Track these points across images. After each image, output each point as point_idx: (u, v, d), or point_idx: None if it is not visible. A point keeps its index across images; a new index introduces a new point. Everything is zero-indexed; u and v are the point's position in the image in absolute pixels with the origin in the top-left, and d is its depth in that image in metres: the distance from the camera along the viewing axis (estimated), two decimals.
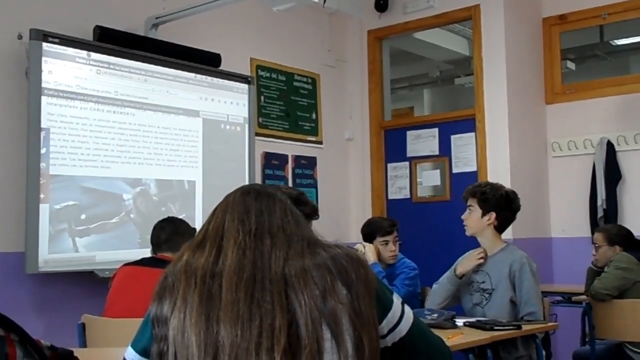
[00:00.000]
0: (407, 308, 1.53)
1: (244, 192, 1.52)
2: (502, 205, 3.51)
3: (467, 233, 3.59)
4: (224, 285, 1.36)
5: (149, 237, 3.37)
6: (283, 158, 5.84)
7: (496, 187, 3.58)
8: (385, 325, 1.47)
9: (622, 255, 4.06)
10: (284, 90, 5.91)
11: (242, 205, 1.48)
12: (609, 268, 4.06)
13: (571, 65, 7.09)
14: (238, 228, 1.43)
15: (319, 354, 1.30)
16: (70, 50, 4.20)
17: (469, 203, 3.57)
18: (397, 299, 1.52)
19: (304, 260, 1.39)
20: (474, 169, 5.88)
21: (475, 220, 3.54)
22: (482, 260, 3.49)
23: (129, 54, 4.48)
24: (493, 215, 3.50)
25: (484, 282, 3.50)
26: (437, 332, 2.68)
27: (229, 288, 1.35)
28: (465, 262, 3.54)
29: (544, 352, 3.38)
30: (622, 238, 4.24)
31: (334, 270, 1.38)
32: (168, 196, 4.71)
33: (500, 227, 3.55)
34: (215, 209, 1.52)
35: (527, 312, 3.35)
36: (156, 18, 4.73)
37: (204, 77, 4.97)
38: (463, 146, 6.02)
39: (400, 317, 1.49)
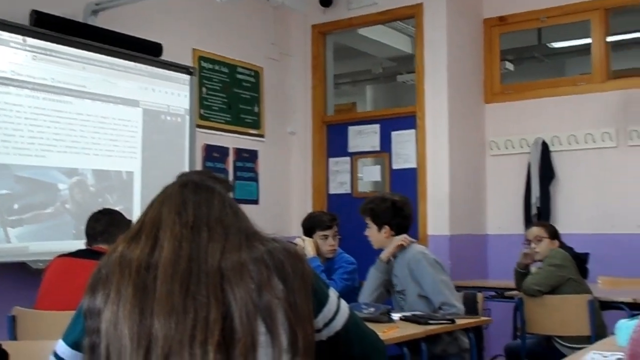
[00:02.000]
0: (343, 302, 1.54)
1: (182, 185, 1.50)
2: (392, 215, 3.65)
3: (375, 247, 3.73)
4: (159, 277, 1.34)
5: (84, 228, 3.31)
6: (224, 151, 5.80)
7: (383, 200, 3.71)
8: (321, 320, 1.48)
9: (557, 252, 4.17)
10: (227, 83, 5.87)
11: (179, 197, 1.46)
12: (543, 264, 4.16)
13: (510, 66, 7.25)
14: (175, 220, 1.42)
15: (253, 347, 1.30)
16: (5, 35, 4.08)
17: (366, 221, 3.71)
18: (333, 294, 1.53)
19: (240, 254, 1.39)
20: (414, 165, 5.96)
21: (374, 235, 3.70)
22: (402, 243, 3.57)
23: (66, 41, 4.38)
24: (387, 227, 3.65)
25: (397, 284, 3.62)
26: (373, 325, 2.71)
27: (164, 280, 1.34)
28: (388, 250, 3.63)
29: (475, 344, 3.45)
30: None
31: (270, 264, 1.38)
32: (105, 187, 4.62)
33: (398, 233, 3.64)
34: (153, 200, 1.50)
35: (439, 302, 3.44)
36: (96, 4, 4.63)
37: (144, 66, 4.89)
38: (403, 143, 6.09)
39: (336, 311, 1.50)
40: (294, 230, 5.87)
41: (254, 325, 1.32)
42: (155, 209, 1.46)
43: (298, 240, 4.09)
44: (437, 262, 3.59)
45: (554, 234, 4.30)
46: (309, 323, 1.39)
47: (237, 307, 1.32)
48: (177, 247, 1.38)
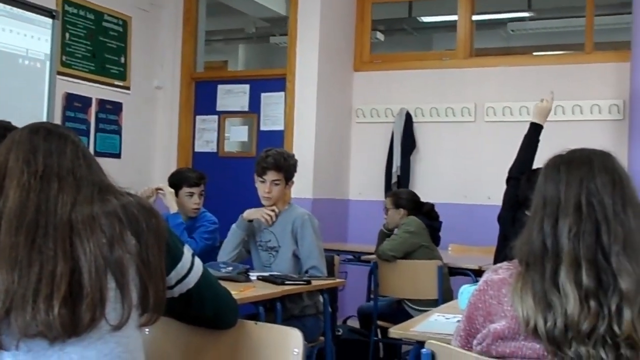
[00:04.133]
0: (197, 260, 1.54)
1: (33, 131, 1.42)
2: (295, 171, 3.69)
3: (270, 202, 3.61)
4: (2, 227, 1.29)
5: None
6: (86, 101, 5.56)
7: (290, 156, 3.73)
8: (174, 277, 1.47)
9: (412, 220, 4.34)
10: (92, 30, 5.61)
11: (28, 144, 1.39)
12: (399, 231, 4.33)
13: (380, 36, 7.41)
14: (22, 168, 1.35)
15: (101, 302, 1.27)
16: None
17: (274, 177, 3.59)
18: (187, 251, 1.52)
19: (92, 207, 1.34)
20: (281, 128, 5.99)
21: (278, 191, 3.61)
22: (267, 216, 3.58)
23: None
24: (291, 182, 3.68)
25: (269, 240, 3.64)
26: (230, 285, 2.72)
27: (8, 231, 1.28)
28: (253, 211, 3.64)
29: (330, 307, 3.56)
30: (409, 202, 4.51)
31: (124, 219, 1.35)
32: None
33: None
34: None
35: (309, 265, 3.52)
36: None
37: (2, 5, 4.58)
38: (272, 105, 6.10)
39: (190, 269, 1.50)
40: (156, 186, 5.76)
41: (104, 280, 1.29)
42: (2, 155, 1.38)
43: (165, 187, 4.03)
44: (319, 228, 3.64)
45: (399, 204, 4.47)
46: (161, 279, 1.38)
47: (87, 261, 1.29)
48: (24, 198, 1.32)
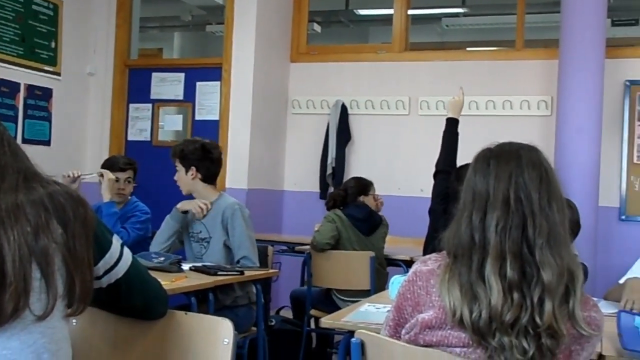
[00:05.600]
0: (126, 250, 1.51)
1: None
2: (200, 158, 3.63)
3: (183, 192, 3.68)
4: None
5: None
6: (14, 86, 5.39)
7: (192, 142, 3.71)
8: (102, 267, 1.44)
9: (333, 211, 4.40)
10: (21, 13, 5.44)
11: None
12: (323, 221, 4.35)
13: (317, 28, 7.42)
14: None
15: (25, 292, 1.24)
16: None
17: (175, 164, 3.66)
18: (116, 241, 1.50)
19: (17, 195, 1.31)
20: (217, 117, 5.95)
21: (182, 178, 3.65)
22: (199, 208, 3.56)
23: None
24: (194, 169, 3.62)
25: (200, 232, 3.63)
26: (162, 275, 2.70)
27: None
28: (187, 202, 3.62)
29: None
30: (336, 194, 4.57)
31: (50, 207, 1.32)
32: None
33: (207, 179, 3.66)
34: None
35: (241, 256, 3.52)
36: None
37: None
38: (208, 94, 6.04)
39: (118, 259, 1.48)
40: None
41: (28, 269, 1.26)
42: None
43: (105, 172, 3.98)
44: (250, 218, 3.63)
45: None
46: (88, 269, 1.36)
47: (10, 250, 1.25)
48: None
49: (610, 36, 5.42)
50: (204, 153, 3.63)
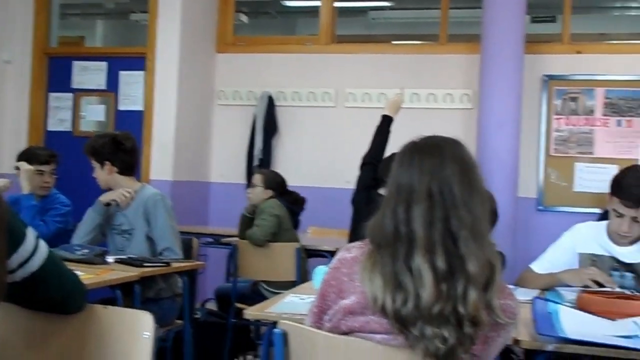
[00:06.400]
0: (41, 243, 1.47)
1: None
2: (113, 151, 3.54)
3: (103, 188, 3.60)
4: None
5: None
6: None
7: (101, 137, 3.63)
8: (15, 260, 1.40)
9: (274, 202, 4.38)
10: None
11: None
12: (264, 215, 4.32)
13: (244, 18, 7.36)
14: None
15: None
16: None
17: (90, 162, 3.57)
18: (31, 234, 1.45)
19: None
20: (141, 108, 5.85)
21: (99, 174, 3.57)
22: (121, 196, 3.50)
23: None
24: (109, 163, 3.54)
25: (122, 224, 3.56)
26: (86, 268, 2.64)
27: None
28: (110, 193, 3.55)
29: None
30: (277, 184, 4.56)
31: None
32: None
33: (124, 171, 3.58)
34: None
35: (163, 247, 3.47)
36: None
37: None
38: (132, 84, 5.94)
39: (33, 252, 1.43)
40: (4, 166, 5.47)
41: None
42: None
43: (22, 164, 3.85)
44: (172, 209, 3.58)
45: (269, 184, 4.50)
46: (1, 263, 1.31)
47: None
48: None
49: (529, 32, 5.57)
50: (116, 145, 3.54)
